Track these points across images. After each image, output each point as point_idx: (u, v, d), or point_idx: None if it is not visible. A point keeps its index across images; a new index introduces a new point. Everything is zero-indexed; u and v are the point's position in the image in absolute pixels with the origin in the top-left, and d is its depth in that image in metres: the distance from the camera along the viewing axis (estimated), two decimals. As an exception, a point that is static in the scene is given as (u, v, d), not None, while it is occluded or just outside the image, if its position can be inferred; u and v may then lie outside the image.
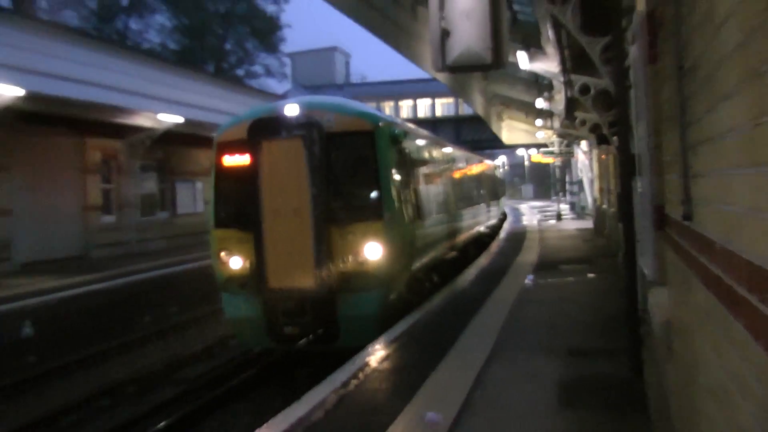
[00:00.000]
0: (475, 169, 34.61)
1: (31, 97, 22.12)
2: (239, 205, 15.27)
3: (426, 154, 20.76)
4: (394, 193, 15.22)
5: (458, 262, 24.21)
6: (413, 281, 17.11)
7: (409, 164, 17.24)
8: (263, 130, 14.90)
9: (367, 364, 11.21)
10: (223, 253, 15.30)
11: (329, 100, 17.89)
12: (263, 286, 14.67)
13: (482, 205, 34.36)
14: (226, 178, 15.67)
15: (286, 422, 8.55)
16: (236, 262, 15.15)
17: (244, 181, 14.92)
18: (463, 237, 26.12)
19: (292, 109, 15.02)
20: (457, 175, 27.14)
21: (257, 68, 76.02)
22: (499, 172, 55.44)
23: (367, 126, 15.25)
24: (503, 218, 50.95)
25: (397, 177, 15.60)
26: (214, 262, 15.66)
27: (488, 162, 43.82)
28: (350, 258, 14.51)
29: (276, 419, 8.72)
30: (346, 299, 14.58)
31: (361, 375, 10.64)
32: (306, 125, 14.68)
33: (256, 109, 16.87)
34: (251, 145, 14.87)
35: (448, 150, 26.49)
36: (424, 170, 19.54)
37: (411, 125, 21.27)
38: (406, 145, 17.22)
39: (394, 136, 15.98)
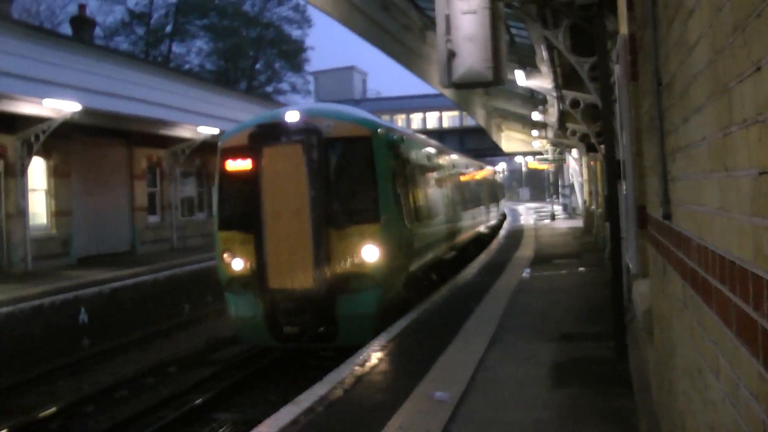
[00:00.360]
0: (475, 173, 33.25)
1: (87, 111, 22.30)
2: (242, 208, 14.43)
3: (425, 159, 19.62)
4: (391, 196, 14.35)
5: (458, 261, 23.30)
6: (412, 281, 15.98)
7: (407, 169, 16.15)
8: (264, 137, 14.12)
9: (381, 348, 11.22)
10: (226, 255, 14.43)
11: (328, 107, 17.21)
12: (264, 287, 13.80)
13: (482, 207, 32.67)
14: (229, 182, 14.85)
15: (309, 399, 8.56)
16: (238, 263, 14.28)
17: (246, 186, 14.14)
18: (462, 237, 24.75)
19: (292, 116, 14.22)
20: (456, 179, 25.54)
21: (284, 86, 76.12)
22: (499, 177, 55.16)
23: (364, 132, 14.42)
24: (503, 219, 50.07)
25: (394, 181, 14.64)
26: (218, 262, 14.81)
27: (488, 167, 42.53)
28: (348, 259, 13.62)
29: (300, 397, 8.73)
30: (345, 299, 13.67)
31: (376, 358, 10.65)
32: (305, 131, 13.85)
33: (259, 117, 16.18)
34: (253, 150, 14.06)
35: (448, 156, 25.15)
36: (422, 174, 18.50)
37: (411, 132, 21.10)
38: (404, 150, 16.29)
39: (392, 141, 15.08)
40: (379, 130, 14.72)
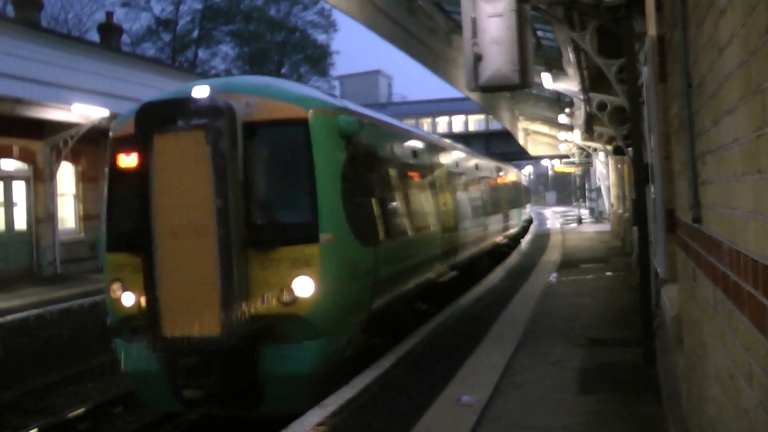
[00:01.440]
0: (490, 175, 28.13)
1: (113, 117, 22.46)
2: (135, 221, 10.11)
3: (405, 155, 15.01)
4: (338, 205, 10.22)
5: (463, 281, 19.09)
6: (379, 320, 11.83)
7: (371, 167, 11.95)
8: (154, 120, 9.88)
9: (408, 352, 11.18)
10: (115, 286, 10.48)
11: (252, 80, 13.05)
12: (156, 334, 9.61)
13: (498, 215, 28.07)
14: (120, 185, 10.98)
15: (336, 403, 8.55)
16: (129, 299, 10.29)
17: (138, 190, 10.02)
18: (468, 253, 20.36)
19: (200, 92, 10.09)
20: (461, 182, 20.93)
21: (310, 90, 76.34)
22: (524, 179, 51.26)
23: (299, 112, 10.23)
24: (527, 225, 46.98)
25: (347, 183, 10.50)
26: (106, 296, 10.82)
27: (510, 168, 37.73)
28: (274, 295, 9.67)
29: (328, 401, 8.72)
30: (271, 352, 9.76)
31: (403, 362, 10.62)
32: (211, 111, 9.67)
33: (164, 93, 11.89)
34: (140, 139, 9.91)
35: (447, 153, 19.86)
36: (400, 176, 14.16)
37: (384, 117, 15.46)
38: (368, 141, 11.97)
39: (343, 127, 10.71)
40: (320, 111, 10.54)
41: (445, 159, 19.07)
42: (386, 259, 11.76)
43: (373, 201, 11.77)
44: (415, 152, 15.73)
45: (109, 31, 33.21)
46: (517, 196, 38.49)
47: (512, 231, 33.90)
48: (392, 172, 13.58)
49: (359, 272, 10.75)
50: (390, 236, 12.32)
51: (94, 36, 46.67)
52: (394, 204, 13.51)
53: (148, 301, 9.70)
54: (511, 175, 36.98)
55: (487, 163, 28.22)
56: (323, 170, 10.20)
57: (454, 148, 21.83)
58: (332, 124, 10.63)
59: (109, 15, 35.62)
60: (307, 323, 9.73)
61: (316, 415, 8.11)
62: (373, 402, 8.71)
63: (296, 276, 9.69)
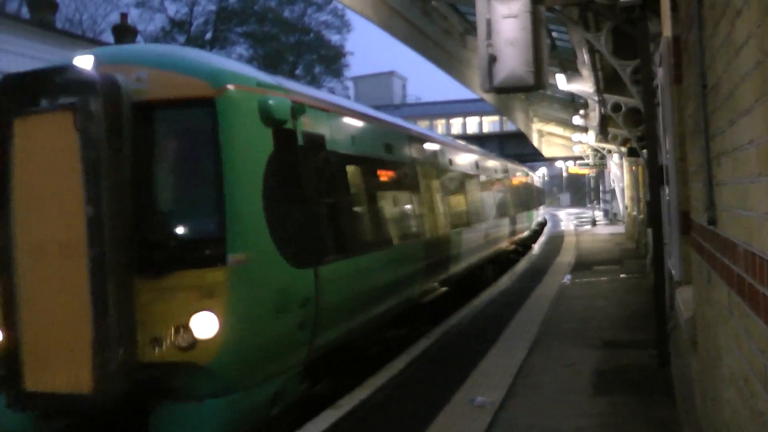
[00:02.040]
0: (494, 175, 24.78)
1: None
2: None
3: (377, 151, 12.24)
4: (256, 213, 7.71)
5: (459, 294, 17.12)
6: (331, 358, 9.68)
7: (319, 163, 9.33)
8: (14, 98, 7.38)
9: (422, 354, 11.18)
10: None
11: (149, 48, 10.68)
12: (16, 387, 7.11)
13: (503, 219, 24.92)
14: None
15: (351, 404, 8.56)
16: None
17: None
18: (464, 264, 17.58)
19: (83, 62, 7.62)
20: (452, 183, 17.81)
21: (323, 91, 76.54)
22: (537, 180, 48.89)
23: (204, 89, 7.63)
24: (540, 229, 44.89)
25: (273, 185, 7.97)
26: None
27: (517, 167, 33.83)
28: (169, 337, 7.18)
29: (342, 401, 8.73)
30: (162, 415, 7.28)
31: (417, 363, 10.62)
32: (82, 86, 7.11)
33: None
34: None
35: (437, 148, 16.78)
36: (366, 174, 11.53)
37: (344, 101, 12.91)
38: (315, 129, 9.38)
39: (271, 110, 8.10)
40: (236, 87, 7.89)
41: (433, 156, 16.09)
42: (338, 282, 9.22)
43: (319, 208, 9.11)
44: (390, 147, 12.84)
45: (124, 32, 33.26)
46: (527, 197, 34.93)
47: (521, 236, 30.72)
48: (353, 171, 10.92)
49: (291, 302, 8.10)
50: (345, 252, 9.70)
51: (109, 37, 46.93)
52: (355, 211, 10.81)
53: (5, 342, 7.19)
54: (520, 174, 33.39)
55: (490, 162, 24.84)
56: (236, 167, 7.65)
57: (447, 144, 18.74)
58: (253, 106, 8.03)
59: (124, 16, 35.65)
60: (210, 375, 7.20)
61: (330, 416, 8.12)
62: (386, 402, 8.72)
63: (196, 311, 7.15)
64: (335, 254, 9.36)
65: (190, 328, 7.14)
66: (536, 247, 32.94)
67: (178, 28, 66.23)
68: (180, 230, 7.75)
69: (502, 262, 25.31)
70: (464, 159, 19.94)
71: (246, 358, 7.46)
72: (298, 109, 8.82)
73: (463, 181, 19.01)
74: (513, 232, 27.31)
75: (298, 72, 74.31)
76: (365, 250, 10.70)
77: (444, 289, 15.20)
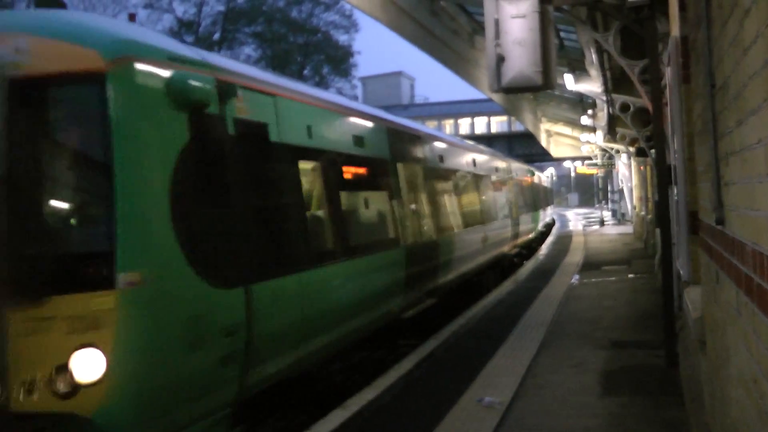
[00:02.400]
0: (493, 174, 22.57)
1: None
2: None
3: (341, 144, 10.36)
4: (160, 219, 6.19)
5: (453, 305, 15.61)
6: (273, 394, 8.13)
7: (257, 157, 7.77)
8: None
9: (430, 354, 11.17)
10: None
11: (32, 13, 8.20)
12: None
13: (504, 221, 22.91)
14: None
15: (359, 404, 8.56)
16: None
17: None
18: (456, 272, 15.79)
19: None
20: (440, 182, 15.87)
21: (331, 91, 76.66)
22: (545, 180, 47.23)
23: (93, 61, 6.05)
24: (547, 229, 43.30)
25: (187, 183, 6.49)
26: None
27: (521, 166, 31.70)
28: (44, 381, 5.67)
29: (350, 401, 8.73)
30: None
31: (425, 363, 10.62)
32: None
33: None
34: None
35: (419, 142, 14.62)
36: (326, 172, 9.60)
37: (298, 85, 10.47)
38: (252, 115, 7.80)
39: (185, 90, 6.57)
40: (135, 60, 6.31)
41: (416, 152, 14.19)
42: (280, 303, 7.61)
43: (255, 213, 7.48)
44: (361, 140, 11.11)
45: (132, 32, 33.38)
46: (533, 197, 32.92)
47: (525, 239, 28.60)
48: (309, 168, 9.24)
49: (210, 331, 6.48)
50: (292, 266, 7.97)
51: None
52: (309, 216, 9.04)
53: None
54: (523, 173, 31.03)
55: (487, 159, 22.39)
56: (131, 160, 6.06)
57: (435, 138, 16.52)
58: (159, 84, 6.41)
59: (132, 17, 35.59)
60: (96, 429, 5.63)
61: (338, 416, 8.12)
62: (395, 403, 8.72)
63: (77, 347, 5.62)
64: (277, 269, 7.63)
65: (69, 368, 5.60)
66: (544, 248, 32.85)
67: (186, 29, 66.37)
68: (60, 243, 6.07)
69: (505, 266, 23.73)
70: (456, 156, 17.88)
71: (144, 406, 5.85)
72: (228, 90, 7.19)
73: (454, 180, 17.04)
74: (516, 235, 25.13)
75: (306, 72, 74.43)
76: (322, 262, 8.77)
77: (431, 301, 13.47)
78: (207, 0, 66.50)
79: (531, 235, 30.97)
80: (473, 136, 68.63)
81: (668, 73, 8.52)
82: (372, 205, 11.38)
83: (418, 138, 14.60)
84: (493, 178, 22.46)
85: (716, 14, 4.20)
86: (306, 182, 9.00)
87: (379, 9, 18.10)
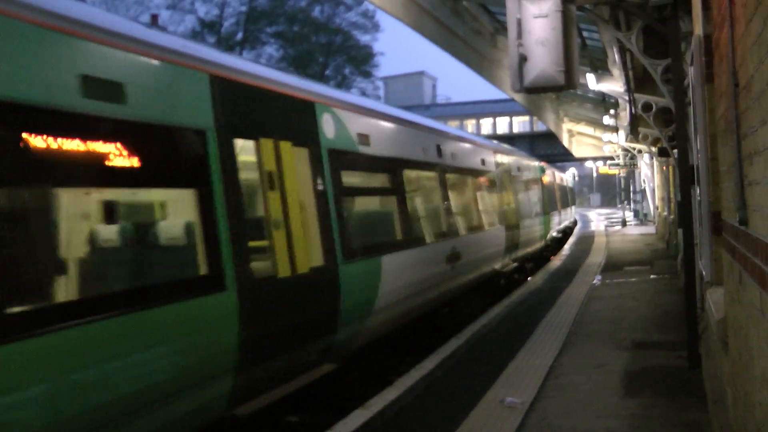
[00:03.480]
0: (470, 168, 16.56)
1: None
2: None
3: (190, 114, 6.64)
4: None
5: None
6: None
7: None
8: None
9: (452, 354, 11.16)
10: None
11: None
12: None
13: (492, 231, 17.41)
14: None
15: (380, 404, 8.56)
16: None
17: None
18: (418, 300, 11.98)
19: None
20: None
21: (353, 91, 76.80)
22: (565, 178, 44.61)
23: None
24: (566, 232, 40.62)
25: None
26: None
27: (528, 161, 25.84)
28: None
29: (372, 401, 8.73)
30: None
31: (446, 363, 10.61)
32: None
33: None
34: None
35: (353, 116, 10.38)
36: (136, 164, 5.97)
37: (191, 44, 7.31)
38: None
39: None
40: None
41: (347, 129, 10.01)
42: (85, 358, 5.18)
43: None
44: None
45: (155, 33, 33.61)
46: (544, 199, 27.98)
47: (528, 250, 22.94)
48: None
49: None
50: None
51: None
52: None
53: None
54: (530, 169, 25.42)
55: (460, 148, 16.11)
56: None
57: (382, 116, 11.73)
58: None
59: (154, 18, 35.96)
60: None
61: (359, 416, 8.12)
62: (417, 402, 8.73)
63: None
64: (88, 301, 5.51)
65: None
66: (566, 249, 32.69)
67: (208, 29, 66.73)
68: None
69: (494, 287, 18.56)
70: (398, 140, 12.09)
71: None
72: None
73: (390, 172, 11.57)
74: (512, 247, 19.67)
75: (328, 72, 74.63)
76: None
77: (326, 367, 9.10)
78: (229, 0, 66.80)
79: (538, 245, 25.60)
80: (495, 136, 68.46)
81: (691, 73, 8.47)
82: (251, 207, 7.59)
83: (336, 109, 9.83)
84: (470, 173, 16.60)
85: (740, 13, 4.17)
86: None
87: (401, 9, 18.12)
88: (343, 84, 76.20)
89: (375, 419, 8.04)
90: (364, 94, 76.47)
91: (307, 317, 8.27)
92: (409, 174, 12.40)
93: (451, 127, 18.12)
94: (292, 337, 7.98)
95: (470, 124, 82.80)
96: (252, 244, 7.42)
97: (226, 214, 6.90)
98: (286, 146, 8.24)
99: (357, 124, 10.42)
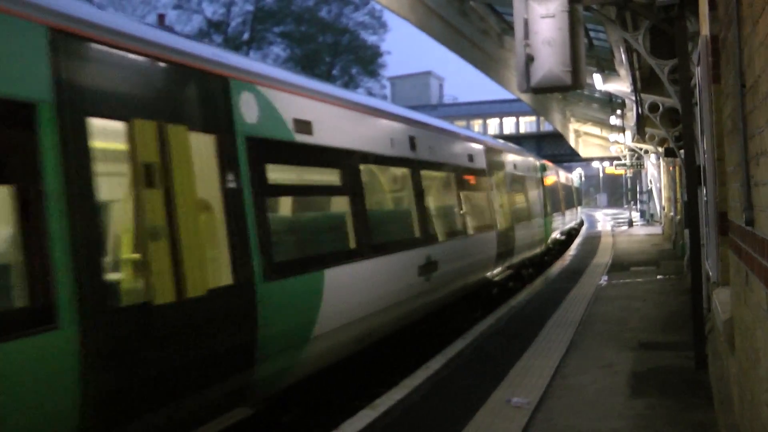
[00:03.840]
0: (449, 163, 14.24)
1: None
2: None
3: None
4: None
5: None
6: None
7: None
8: None
9: (458, 354, 11.16)
10: None
11: None
12: None
13: (480, 236, 15.50)
14: None
15: (387, 404, 8.57)
16: None
17: None
18: (384, 319, 10.33)
19: None
20: (319, 174, 9.52)
21: (360, 91, 76.81)
22: (570, 178, 44.14)
23: None
24: (570, 235, 39.01)
25: None
26: None
27: (524, 157, 23.52)
28: None
29: (379, 401, 8.74)
30: None
31: (453, 363, 10.61)
32: None
33: None
34: None
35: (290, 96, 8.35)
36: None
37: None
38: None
39: None
40: None
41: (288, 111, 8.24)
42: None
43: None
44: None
45: (162, 33, 33.63)
46: (545, 199, 26.46)
47: (524, 256, 20.95)
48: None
49: None
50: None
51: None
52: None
53: None
54: (532, 169, 24.29)
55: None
56: None
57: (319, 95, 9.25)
58: None
59: (161, 17, 36.09)
60: None
61: (366, 416, 8.13)
62: (423, 402, 8.72)
63: None
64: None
65: None
66: (572, 249, 32.63)
67: (215, 29, 66.80)
68: None
69: (482, 298, 16.70)
70: (355, 130, 10.08)
71: None
72: None
73: (341, 167, 9.58)
74: (506, 253, 17.91)
75: (334, 72, 74.66)
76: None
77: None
78: (236, 0, 66.86)
79: (536, 250, 23.67)
80: (502, 136, 68.40)
81: (698, 73, 8.46)
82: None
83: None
84: (449, 169, 14.43)
85: (747, 13, 4.17)
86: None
87: (408, 9, 18.11)
88: (350, 84, 76.26)
89: (381, 419, 8.05)
90: (371, 93, 76.47)
91: (202, 354, 6.32)
92: (369, 171, 10.52)
93: (445, 122, 16.04)
94: (177, 383, 6.06)
95: (477, 124, 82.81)
96: (109, 260, 5.69)
97: (67, 219, 5.07)
98: (177, 131, 6.34)
99: (294, 108, 8.36)
